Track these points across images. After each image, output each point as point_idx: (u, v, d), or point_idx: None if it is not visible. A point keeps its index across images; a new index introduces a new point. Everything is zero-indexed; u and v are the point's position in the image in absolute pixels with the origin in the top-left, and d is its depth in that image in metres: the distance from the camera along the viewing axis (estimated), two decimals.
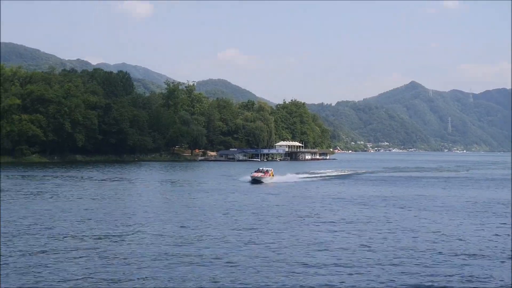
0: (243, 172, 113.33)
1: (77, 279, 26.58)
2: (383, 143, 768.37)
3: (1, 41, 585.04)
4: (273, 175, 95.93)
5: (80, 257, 31.23)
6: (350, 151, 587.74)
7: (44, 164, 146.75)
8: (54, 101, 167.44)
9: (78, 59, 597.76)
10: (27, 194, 66.08)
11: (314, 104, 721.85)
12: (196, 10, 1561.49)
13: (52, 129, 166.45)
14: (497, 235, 41.31)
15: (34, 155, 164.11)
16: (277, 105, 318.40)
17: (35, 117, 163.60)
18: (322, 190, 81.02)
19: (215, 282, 26.56)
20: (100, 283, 26.02)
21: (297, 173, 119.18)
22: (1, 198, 60.92)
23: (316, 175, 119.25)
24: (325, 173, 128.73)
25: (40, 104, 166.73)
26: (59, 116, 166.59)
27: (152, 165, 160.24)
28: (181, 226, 43.12)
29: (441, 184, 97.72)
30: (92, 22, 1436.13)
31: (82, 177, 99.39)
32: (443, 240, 38.47)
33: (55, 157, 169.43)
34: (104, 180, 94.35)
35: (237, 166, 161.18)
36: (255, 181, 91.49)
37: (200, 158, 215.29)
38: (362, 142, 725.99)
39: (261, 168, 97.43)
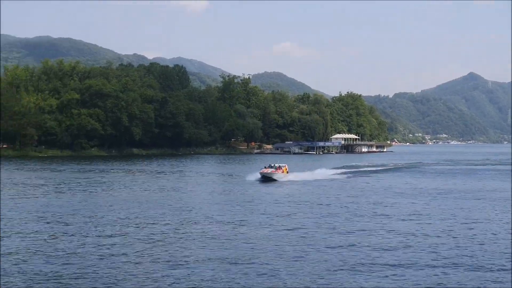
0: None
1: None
2: (442, 135, 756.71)
3: (61, 36, 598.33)
4: (287, 172, 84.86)
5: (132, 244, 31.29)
6: (407, 144, 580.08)
7: (103, 158, 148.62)
8: (112, 95, 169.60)
9: (134, 54, 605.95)
10: (88, 187, 66.85)
11: (370, 96, 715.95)
12: (251, 4, 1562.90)
13: (110, 123, 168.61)
14: None
15: (92, 149, 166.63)
16: (333, 97, 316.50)
17: (93, 111, 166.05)
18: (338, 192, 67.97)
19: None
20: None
21: (334, 168, 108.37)
22: (62, 191, 61.83)
23: (359, 169, 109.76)
24: (370, 167, 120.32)
25: (98, 99, 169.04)
26: (117, 110, 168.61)
27: (207, 158, 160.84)
28: (240, 220, 42.91)
29: (502, 176, 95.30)
30: (148, 17, 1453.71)
31: (139, 170, 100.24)
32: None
33: (113, 151, 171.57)
34: (162, 172, 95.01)
35: (292, 159, 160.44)
36: (265, 178, 79.96)
37: (255, 151, 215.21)
38: (420, 134, 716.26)
39: (272, 164, 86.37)
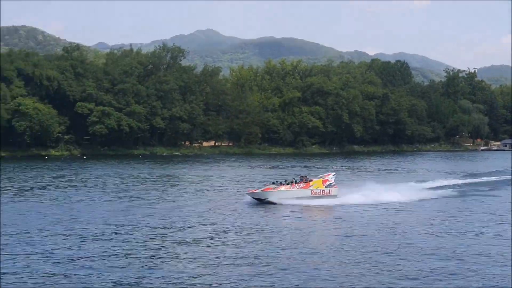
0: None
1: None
2: None
3: (284, 36, 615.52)
4: (328, 186, 51.46)
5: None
6: None
7: (327, 155, 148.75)
8: (333, 92, 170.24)
9: (355, 51, 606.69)
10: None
11: None
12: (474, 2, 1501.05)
13: (331, 121, 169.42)
14: None
15: (313, 146, 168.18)
16: None
17: (314, 109, 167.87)
18: None
19: None
20: None
21: (445, 179, 73.60)
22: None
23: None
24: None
25: (319, 96, 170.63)
26: (337, 107, 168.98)
27: (430, 155, 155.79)
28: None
29: None
30: (370, 14, 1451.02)
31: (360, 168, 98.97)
32: None
33: (334, 148, 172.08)
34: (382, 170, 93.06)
35: None
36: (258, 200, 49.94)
37: (482, 148, 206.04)
38: None
39: (307, 176, 54.26)
